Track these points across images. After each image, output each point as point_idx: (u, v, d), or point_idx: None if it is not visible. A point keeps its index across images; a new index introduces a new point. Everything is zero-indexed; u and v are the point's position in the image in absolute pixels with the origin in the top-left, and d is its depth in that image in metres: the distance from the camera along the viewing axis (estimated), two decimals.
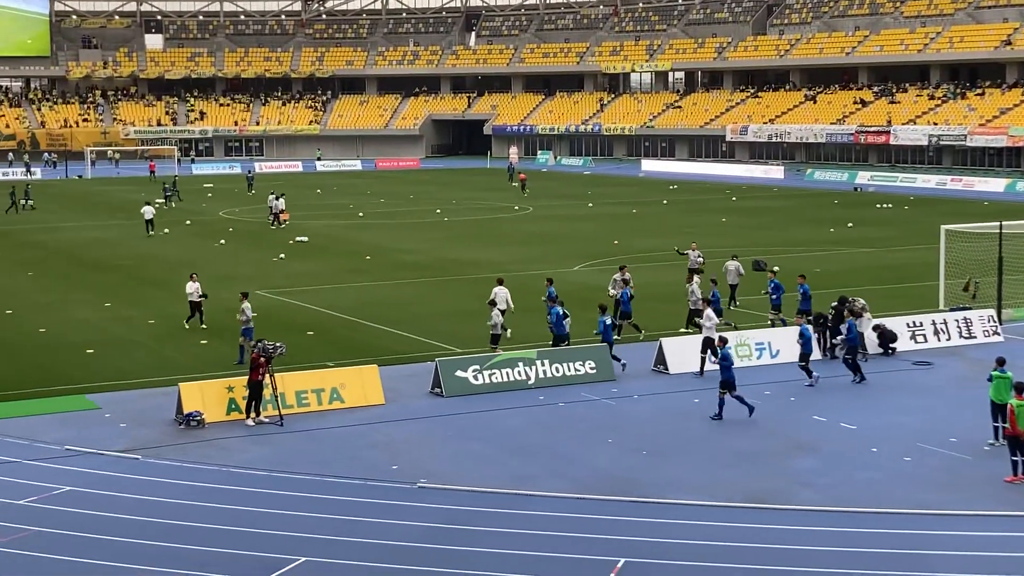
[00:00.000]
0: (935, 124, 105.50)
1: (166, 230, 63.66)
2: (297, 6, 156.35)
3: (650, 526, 20.06)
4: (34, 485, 22.16)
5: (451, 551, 19.01)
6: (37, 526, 20.03)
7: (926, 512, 20.56)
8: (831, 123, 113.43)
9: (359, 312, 39.42)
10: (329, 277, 47.45)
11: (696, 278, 36.67)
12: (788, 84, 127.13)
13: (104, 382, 30.04)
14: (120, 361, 32.59)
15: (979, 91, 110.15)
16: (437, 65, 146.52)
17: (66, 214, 74.69)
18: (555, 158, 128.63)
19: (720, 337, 28.32)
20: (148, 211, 63.08)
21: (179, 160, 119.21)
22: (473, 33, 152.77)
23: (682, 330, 34.77)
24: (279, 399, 26.67)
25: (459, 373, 29.02)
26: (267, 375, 26.46)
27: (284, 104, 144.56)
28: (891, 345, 32.76)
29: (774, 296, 35.60)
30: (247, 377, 26.59)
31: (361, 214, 73.46)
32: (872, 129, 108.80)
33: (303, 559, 18.61)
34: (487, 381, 29.12)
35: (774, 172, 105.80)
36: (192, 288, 36.45)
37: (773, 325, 34.62)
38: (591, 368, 30.11)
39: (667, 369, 30.79)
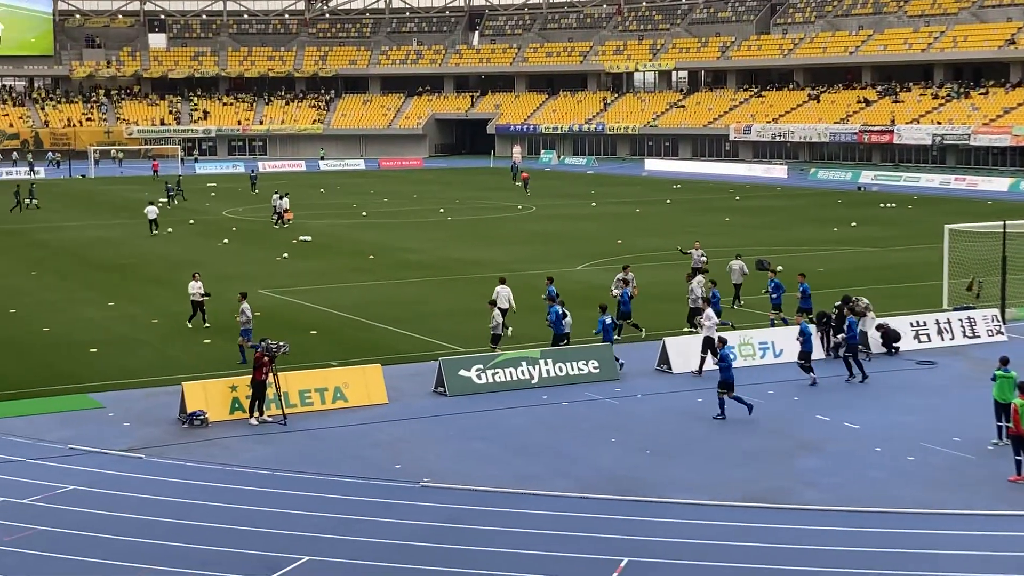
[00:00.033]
0: (939, 123, 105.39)
1: (169, 229, 63.69)
2: (300, 5, 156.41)
3: (653, 525, 20.05)
4: (38, 484, 22.18)
5: (454, 550, 19.01)
6: (41, 525, 20.04)
7: (930, 511, 20.55)
8: (835, 122, 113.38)
9: (362, 311, 39.43)
10: (332, 276, 47.47)
11: (700, 277, 36.65)
12: (792, 83, 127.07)
13: (108, 381, 30.06)
14: (124, 360, 32.60)
15: (983, 90, 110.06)
16: (440, 64, 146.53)
17: (70, 213, 74.74)
18: (558, 157, 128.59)
19: (719, 338, 28.33)
20: (151, 211, 63.12)
21: (182, 159, 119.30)
22: (476, 32, 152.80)
23: (685, 329, 34.76)
24: (282, 398, 26.67)
25: (462, 372, 29.01)
26: (270, 374, 26.47)
27: (287, 103, 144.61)
28: (894, 344, 32.75)
29: (774, 296, 35.60)
30: (250, 376, 26.60)
31: (364, 213, 73.48)
32: (876, 128, 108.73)
33: (306, 558, 18.62)
34: (490, 380, 29.12)
35: (778, 171, 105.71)
36: (195, 287, 36.49)
37: (773, 324, 34.61)
38: (594, 367, 30.10)
39: (670, 369, 30.78)
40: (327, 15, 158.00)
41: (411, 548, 19.06)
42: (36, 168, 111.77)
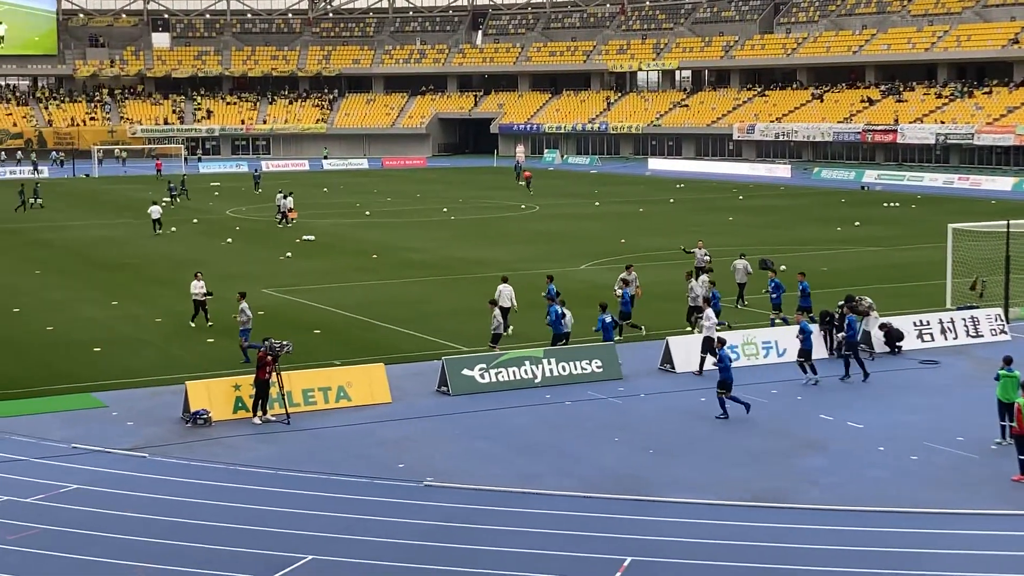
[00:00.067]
0: (942, 123, 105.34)
1: (173, 229, 63.72)
2: (304, 4, 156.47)
3: (656, 525, 20.06)
4: (41, 483, 22.19)
5: (457, 549, 19.02)
6: (44, 524, 20.06)
7: (933, 511, 20.54)
8: (838, 122, 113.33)
9: (366, 311, 39.44)
10: (336, 276, 47.49)
11: (705, 277, 36.65)
12: (795, 83, 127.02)
13: (111, 380, 30.09)
14: (127, 359, 32.63)
15: (986, 90, 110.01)
16: (444, 64, 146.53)
17: (73, 213, 74.79)
18: (562, 157, 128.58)
19: (719, 338, 28.36)
20: (155, 210, 63.20)
21: (186, 159, 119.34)
22: (480, 32, 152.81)
23: (687, 328, 34.75)
24: (286, 397, 26.69)
25: (465, 372, 29.02)
26: (274, 373, 26.49)
27: (291, 103, 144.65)
28: (897, 344, 32.73)
29: (774, 296, 35.61)
30: (254, 375, 26.62)
31: (368, 213, 73.50)
32: (879, 128, 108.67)
33: (309, 557, 18.63)
34: (493, 380, 29.12)
35: (781, 171, 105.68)
36: (197, 287, 36.53)
37: (774, 324, 34.59)
38: (598, 367, 30.10)
39: (674, 368, 30.77)
40: (331, 14, 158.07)
41: (415, 547, 19.07)
42: (40, 167, 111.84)
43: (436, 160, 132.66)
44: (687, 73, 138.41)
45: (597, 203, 79.22)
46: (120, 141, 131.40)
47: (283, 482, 22.36)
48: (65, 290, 44.68)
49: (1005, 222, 37.45)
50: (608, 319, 31.49)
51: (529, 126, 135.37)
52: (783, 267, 43.15)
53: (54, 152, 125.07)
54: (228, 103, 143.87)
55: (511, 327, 34.11)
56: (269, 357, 26.45)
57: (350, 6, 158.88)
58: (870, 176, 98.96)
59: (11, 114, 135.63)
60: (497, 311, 32.15)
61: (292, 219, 65.90)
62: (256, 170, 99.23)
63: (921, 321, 33.94)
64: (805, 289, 34.62)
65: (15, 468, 23.21)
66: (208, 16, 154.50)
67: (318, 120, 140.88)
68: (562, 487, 21.91)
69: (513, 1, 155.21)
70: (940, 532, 19.69)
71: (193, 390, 26.71)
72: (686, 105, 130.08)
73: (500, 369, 29.33)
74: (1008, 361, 24.28)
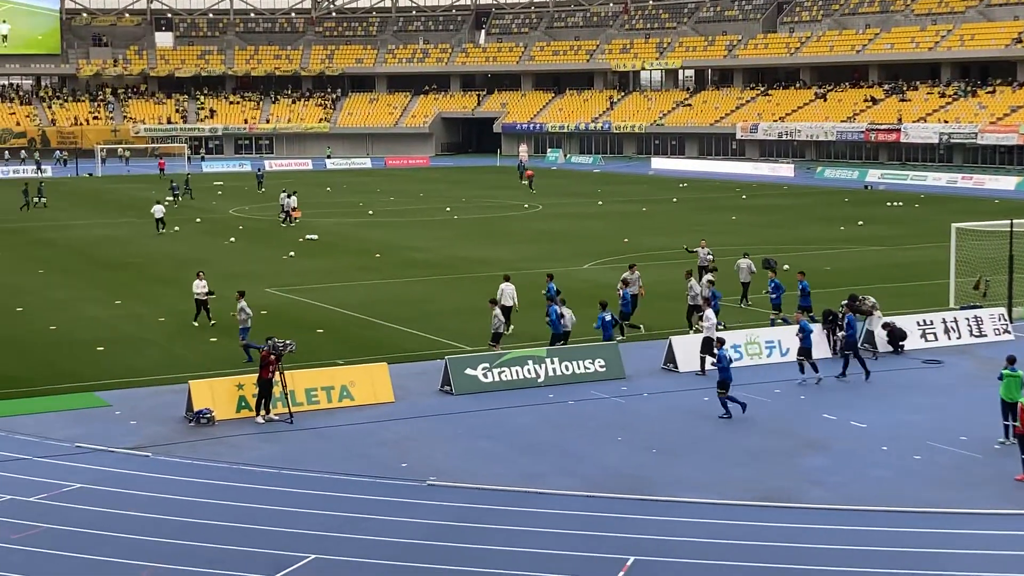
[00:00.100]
0: (946, 122, 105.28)
1: (176, 228, 63.75)
2: (307, 4, 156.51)
3: (659, 524, 20.05)
4: (44, 482, 22.21)
5: (460, 549, 19.02)
6: (48, 523, 20.07)
7: (936, 510, 20.53)
8: (841, 121, 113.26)
9: (369, 310, 39.45)
10: (339, 275, 47.50)
11: (707, 276, 36.62)
12: (798, 82, 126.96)
13: (114, 379, 30.10)
14: (130, 359, 32.65)
15: (990, 89, 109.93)
16: (447, 63, 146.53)
17: (76, 212, 74.83)
18: (565, 156, 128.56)
19: (718, 338, 28.35)
20: (158, 209, 63.26)
21: (189, 158, 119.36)
22: (483, 31, 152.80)
23: (687, 329, 34.72)
24: (289, 397, 26.70)
25: (468, 371, 29.02)
26: (277, 373, 26.50)
27: (294, 102, 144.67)
28: (900, 343, 32.70)
29: (774, 296, 35.62)
30: (257, 375, 26.63)
31: (371, 212, 73.51)
32: (883, 127, 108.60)
33: (312, 556, 18.63)
34: (496, 379, 29.13)
35: (784, 170, 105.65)
36: (199, 286, 36.55)
37: (774, 324, 34.56)
38: (601, 366, 30.10)
39: (677, 368, 30.76)
40: (334, 14, 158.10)
41: (417, 546, 19.07)
42: (43, 167, 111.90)
43: (439, 159, 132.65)
44: (690, 72, 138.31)
45: (600, 202, 79.21)
46: (123, 140, 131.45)
47: (286, 481, 22.37)
48: (68, 289, 44.71)
49: (1009, 221, 37.41)
50: (608, 317, 31.49)
51: (532, 125, 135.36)
52: (786, 266, 43.13)
53: (58, 151, 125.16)
54: (231, 102, 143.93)
55: (511, 327, 34.10)
56: (272, 356, 26.46)
57: (353, 5, 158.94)
58: (873, 175, 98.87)
59: (14, 113, 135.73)
60: (498, 310, 32.14)
61: (296, 218, 65.91)
62: (259, 169, 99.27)
63: (924, 321, 33.92)
64: (805, 288, 34.62)
65: (18, 467, 23.22)
66: (211, 15, 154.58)
67: (321, 119, 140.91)
68: (565, 487, 21.91)
69: (516, 0, 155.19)
70: (943, 532, 19.67)
71: (196, 389, 26.72)
72: (689, 104, 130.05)
73: (503, 368, 29.33)
74: (1012, 361, 24.25)
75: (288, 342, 27.07)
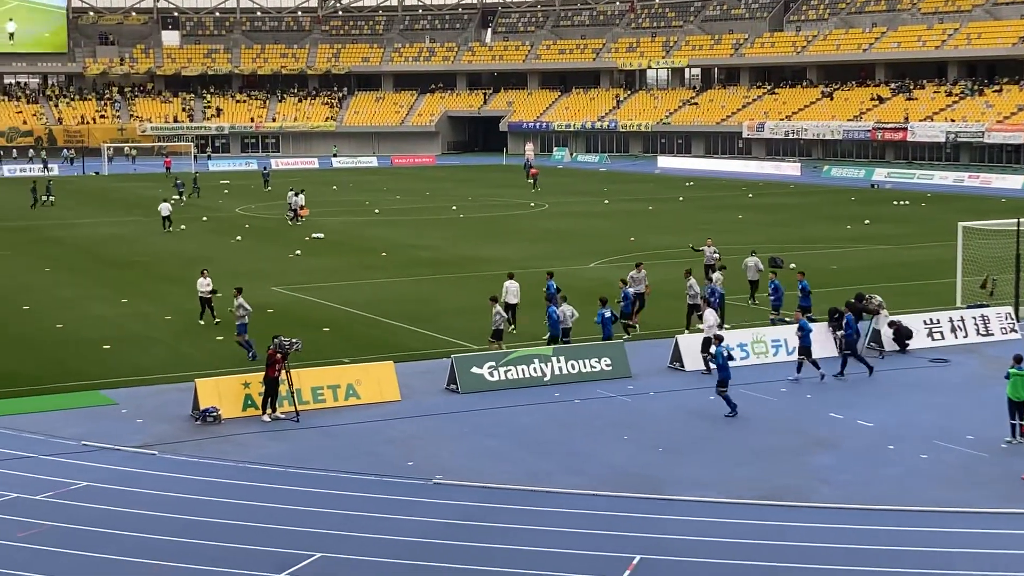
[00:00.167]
0: (952, 121, 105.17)
1: (183, 226, 63.80)
2: (313, 2, 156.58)
3: (666, 523, 20.04)
4: (51, 480, 22.23)
5: (466, 547, 19.01)
6: (54, 521, 20.09)
7: (943, 509, 20.50)
8: (848, 120, 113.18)
9: (375, 308, 39.45)
10: (345, 273, 47.51)
11: (718, 274, 36.53)
12: (805, 81, 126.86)
13: (121, 378, 30.13)
14: (137, 357, 32.67)
15: (997, 88, 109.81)
16: (453, 62, 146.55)
17: (83, 210, 74.92)
18: (571, 155, 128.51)
19: (715, 335, 28.32)
20: (165, 208, 63.34)
21: (195, 157, 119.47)
22: (489, 29, 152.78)
23: (697, 329, 34.71)
24: (295, 395, 26.70)
25: (475, 369, 29.01)
26: (283, 371, 26.51)
27: (300, 101, 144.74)
28: (906, 342, 32.63)
29: (773, 296, 35.60)
30: (263, 373, 26.64)
31: (377, 211, 73.54)
32: (889, 126, 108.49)
33: (319, 555, 18.64)
34: (503, 378, 29.12)
35: (791, 169, 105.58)
36: (203, 284, 36.57)
37: (774, 324, 34.50)
38: (607, 365, 30.09)
39: (683, 366, 30.74)
40: (340, 12, 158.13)
41: (423, 545, 19.06)
42: (50, 165, 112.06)
43: (445, 158, 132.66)
44: (697, 71, 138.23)
45: (606, 201, 79.18)
46: (130, 139, 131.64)
47: (292, 480, 22.37)
48: (75, 288, 44.75)
49: (1015, 220, 37.35)
50: (608, 314, 31.51)
51: (538, 124, 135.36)
52: (792, 265, 43.08)
53: (65, 150, 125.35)
54: (238, 101, 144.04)
55: (512, 326, 34.12)
56: (279, 355, 26.47)
57: (359, 4, 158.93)
58: (880, 174, 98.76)
59: (21, 112, 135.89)
60: (498, 307, 32.13)
61: (303, 217, 65.94)
62: (265, 168, 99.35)
63: (931, 320, 33.87)
64: (805, 288, 34.56)
65: (25, 465, 23.25)
66: (218, 14, 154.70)
67: (327, 118, 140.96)
68: (571, 485, 21.90)
69: None
70: (950, 531, 19.64)
71: (202, 388, 26.73)
72: (695, 103, 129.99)
73: (509, 367, 29.32)
74: (1018, 359, 24.18)
75: (294, 341, 27.08)
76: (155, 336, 35.55)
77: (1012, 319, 34.81)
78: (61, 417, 26.60)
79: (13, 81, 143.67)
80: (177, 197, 77.81)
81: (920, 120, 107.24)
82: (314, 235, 59.27)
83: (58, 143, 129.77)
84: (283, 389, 26.66)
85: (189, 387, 27.30)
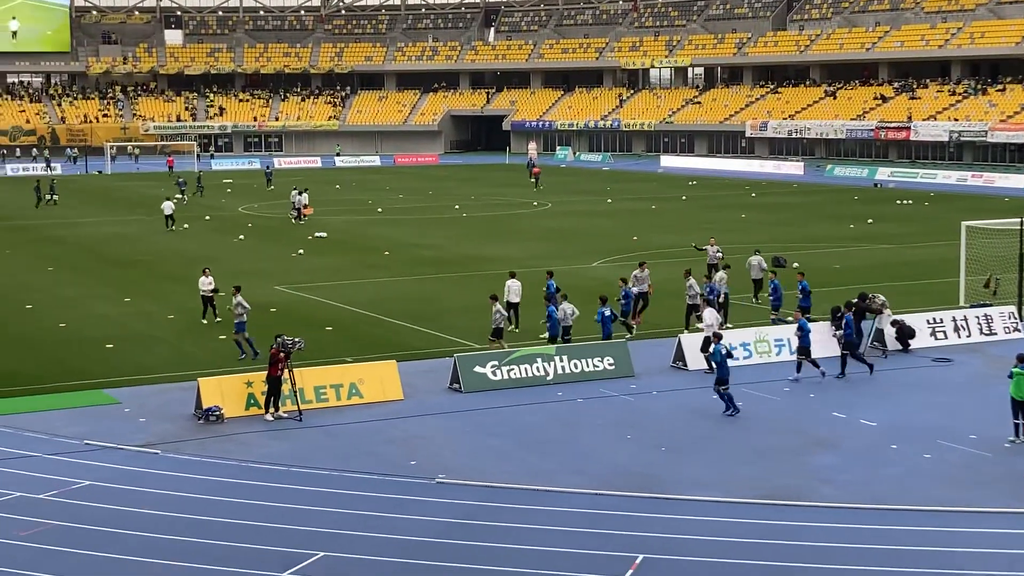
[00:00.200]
0: (956, 120, 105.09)
1: (185, 225, 63.82)
2: (316, 1, 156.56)
3: (669, 522, 20.03)
4: (54, 479, 22.23)
5: (469, 546, 19.00)
6: (56, 520, 20.09)
7: (946, 509, 20.48)
8: (851, 119, 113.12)
9: (378, 308, 39.45)
10: (348, 273, 47.52)
11: (723, 273, 36.48)
12: (808, 80, 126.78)
13: (123, 377, 30.14)
14: (139, 356, 32.68)
15: (1000, 87, 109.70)
16: (456, 61, 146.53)
17: (86, 209, 74.95)
18: (574, 154, 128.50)
19: (714, 333, 28.32)
20: (168, 206, 63.40)
21: (198, 156, 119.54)
22: (492, 29, 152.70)
23: (698, 328, 34.67)
24: (298, 394, 26.70)
25: (478, 369, 29.01)
26: (286, 370, 26.51)
27: (303, 100, 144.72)
28: (909, 341, 32.60)
29: (772, 296, 35.59)
30: (266, 372, 26.64)
31: (380, 210, 73.54)
32: (892, 125, 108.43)
33: (321, 554, 18.63)
34: (505, 377, 29.11)
35: (794, 168, 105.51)
36: (205, 283, 36.58)
37: (775, 324, 34.47)
38: (610, 364, 30.08)
39: (686, 365, 30.72)
40: (343, 11, 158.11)
41: (426, 544, 19.06)
42: (53, 164, 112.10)
43: (448, 157, 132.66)
44: (700, 70, 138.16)
45: (609, 200, 79.15)
46: (133, 138, 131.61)
47: (295, 479, 22.37)
48: (78, 287, 44.77)
49: (1019, 219, 37.32)
50: (608, 312, 31.52)
51: (541, 123, 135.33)
52: (795, 264, 43.06)
53: (69, 149, 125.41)
54: (240, 100, 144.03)
55: (512, 325, 34.12)
56: (281, 354, 26.46)
57: (362, 3, 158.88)
58: (883, 173, 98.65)
59: (24, 111, 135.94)
60: (499, 305, 32.11)
61: (306, 216, 65.96)
62: (268, 167, 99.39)
63: (934, 319, 33.84)
64: (805, 288, 34.51)
65: (27, 464, 23.26)
66: (221, 13, 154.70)
67: (330, 117, 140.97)
68: (574, 484, 21.89)
69: None
70: (953, 530, 19.62)
71: (205, 387, 26.74)
72: (699, 102, 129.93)
73: (512, 366, 29.31)
74: (1022, 359, 24.17)
75: (297, 340, 27.07)
76: (158, 335, 35.55)
77: (1015, 318, 34.78)
78: (63, 416, 26.61)
79: (16, 80, 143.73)
80: (180, 196, 77.82)
81: (923, 119, 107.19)
82: (317, 234, 59.26)
83: (61, 142, 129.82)
84: (286, 388, 26.66)
85: (192, 386, 27.30)
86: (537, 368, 29.48)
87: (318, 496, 21.35)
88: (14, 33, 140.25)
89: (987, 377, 29.53)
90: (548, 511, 20.51)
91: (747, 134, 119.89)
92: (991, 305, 35.77)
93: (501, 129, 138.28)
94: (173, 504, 20.91)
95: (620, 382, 29.42)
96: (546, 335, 32.38)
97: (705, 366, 30.36)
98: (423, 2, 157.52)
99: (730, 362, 27.54)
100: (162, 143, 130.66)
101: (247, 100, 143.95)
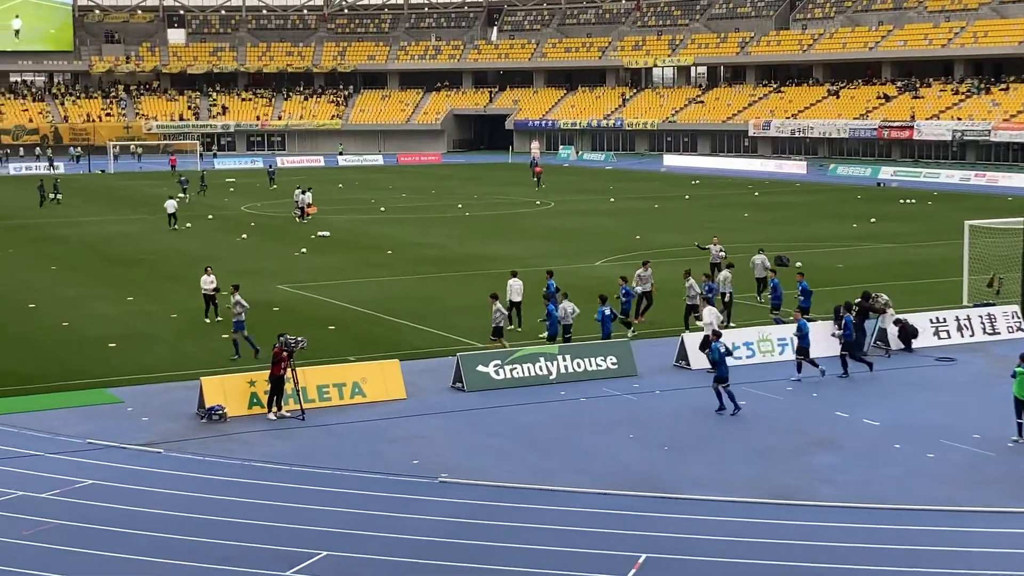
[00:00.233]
0: (959, 119, 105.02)
1: (188, 224, 63.84)
2: (319, 1, 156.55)
3: (671, 522, 20.02)
4: (56, 478, 22.24)
5: (471, 546, 19.00)
6: (59, 519, 20.10)
7: (948, 509, 20.46)
8: (854, 118, 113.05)
9: (380, 307, 39.45)
10: (351, 272, 47.51)
11: (725, 271, 36.45)
12: (811, 79, 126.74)
13: (126, 376, 30.15)
14: (142, 355, 32.69)
15: (1003, 86, 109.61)
16: (459, 60, 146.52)
17: (89, 208, 74.99)
18: (577, 153, 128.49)
19: (713, 331, 28.32)
20: (171, 205, 63.43)
21: (201, 155, 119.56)
22: (495, 28, 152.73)
23: (699, 327, 34.65)
24: (300, 393, 26.70)
25: (480, 368, 29.00)
26: (289, 369, 26.51)
27: (306, 99, 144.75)
28: (912, 341, 32.56)
29: (772, 295, 35.55)
30: (268, 371, 26.64)
31: (383, 209, 73.55)
32: (895, 124, 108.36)
33: (324, 553, 18.63)
34: (508, 376, 29.10)
35: (796, 167, 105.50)
36: (207, 281, 36.59)
37: (776, 323, 34.45)
38: (612, 363, 30.07)
39: (689, 365, 30.70)
40: (346, 11, 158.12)
41: (429, 543, 19.05)
42: (56, 163, 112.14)
43: (451, 156, 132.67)
44: (702, 69, 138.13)
45: (612, 199, 79.14)
46: (135, 137, 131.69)
47: (298, 478, 22.37)
48: (80, 286, 44.78)
49: (1022, 219, 37.29)
50: (608, 311, 31.51)
51: (544, 122, 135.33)
52: (798, 263, 43.04)
53: (72, 148, 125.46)
54: (243, 99, 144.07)
55: (513, 324, 34.11)
56: (284, 353, 26.46)
57: (365, 2, 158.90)
58: (886, 173, 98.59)
59: (27, 110, 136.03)
60: (499, 304, 32.10)
61: (310, 215, 65.96)
62: (271, 166, 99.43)
63: (937, 318, 33.82)
64: (805, 288, 34.48)
65: (30, 463, 23.26)
66: (223, 12, 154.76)
67: (333, 116, 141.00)
68: (576, 484, 21.88)
69: None
70: (955, 530, 19.60)
71: (208, 386, 26.74)
72: (701, 101, 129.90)
73: (515, 365, 29.30)
74: None
75: (300, 339, 27.08)
76: (160, 334, 35.56)
77: (1018, 318, 34.74)
78: (66, 415, 26.61)
79: (19, 79, 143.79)
80: (182, 195, 77.83)
81: (926, 118, 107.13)
82: (320, 233, 59.27)
83: (64, 141, 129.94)
84: (288, 387, 26.66)
85: (195, 385, 27.31)
86: (540, 367, 29.47)
87: (321, 495, 21.35)
88: (17, 32, 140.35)
89: (990, 377, 29.50)
90: (551, 510, 20.50)
91: (750, 133, 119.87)
92: (994, 304, 35.72)
93: (504, 128, 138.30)
94: (176, 503, 20.91)
95: (623, 381, 29.40)
96: (545, 334, 32.39)
97: (707, 365, 30.38)
98: (426, 1, 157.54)
99: (733, 361, 27.51)
100: (165, 142, 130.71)
101: (250, 99, 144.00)
